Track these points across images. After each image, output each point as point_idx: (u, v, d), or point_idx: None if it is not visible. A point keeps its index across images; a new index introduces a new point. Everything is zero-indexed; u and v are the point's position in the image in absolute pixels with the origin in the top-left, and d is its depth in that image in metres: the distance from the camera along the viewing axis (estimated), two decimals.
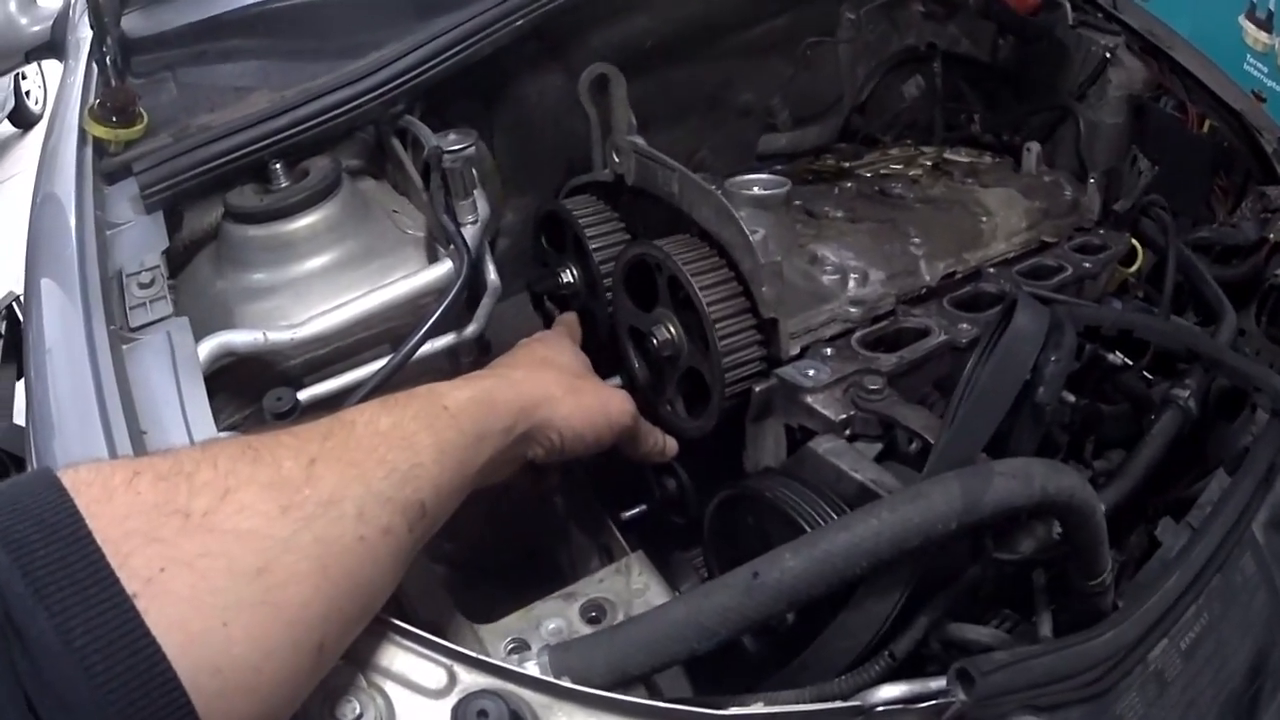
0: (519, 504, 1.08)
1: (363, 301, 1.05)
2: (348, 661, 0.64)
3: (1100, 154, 1.45)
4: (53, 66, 1.71)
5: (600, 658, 0.70)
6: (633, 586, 0.90)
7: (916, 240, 1.18)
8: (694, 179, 1.04)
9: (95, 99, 1.18)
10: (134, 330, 0.94)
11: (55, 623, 0.48)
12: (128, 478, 0.55)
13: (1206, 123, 1.43)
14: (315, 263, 1.10)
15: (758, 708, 0.67)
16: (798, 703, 0.70)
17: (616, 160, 1.16)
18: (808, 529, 0.82)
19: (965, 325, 1.06)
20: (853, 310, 1.08)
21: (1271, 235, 1.29)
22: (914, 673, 0.72)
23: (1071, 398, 1.03)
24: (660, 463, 1.07)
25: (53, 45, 1.73)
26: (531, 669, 0.67)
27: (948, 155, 1.50)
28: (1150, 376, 1.13)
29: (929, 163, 1.48)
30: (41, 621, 0.47)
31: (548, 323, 1.28)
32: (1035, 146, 1.42)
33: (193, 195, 1.15)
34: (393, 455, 0.67)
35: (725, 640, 0.71)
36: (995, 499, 0.73)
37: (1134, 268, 1.30)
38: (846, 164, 1.55)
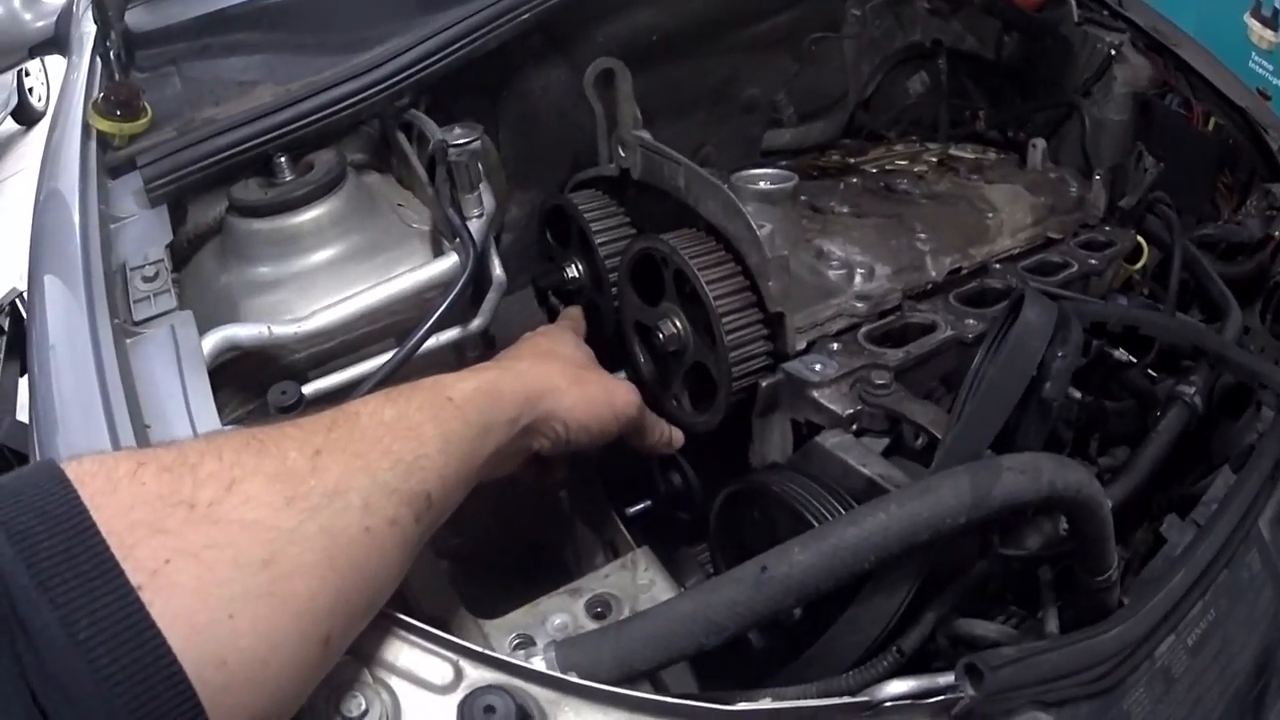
0: (524, 499, 1.08)
1: (368, 295, 1.04)
2: (353, 657, 0.63)
3: (1105, 151, 1.45)
4: (56, 64, 1.72)
5: (607, 653, 0.69)
6: (638, 582, 0.89)
7: (922, 236, 1.18)
8: (701, 173, 1.03)
9: (99, 93, 1.17)
10: (138, 324, 0.93)
11: (59, 615, 0.47)
12: (132, 469, 0.55)
13: (1212, 120, 1.43)
14: (320, 256, 1.10)
15: (765, 703, 0.66)
16: (805, 698, 0.70)
17: (622, 154, 1.16)
18: (815, 524, 0.82)
19: (971, 321, 1.06)
20: (859, 305, 1.07)
21: (1276, 233, 1.29)
22: (920, 669, 0.72)
23: (1077, 394, 1.02)
24: (666, 455, 1.06)
25: (57, 40, 1.73)
26: (538, 664, 0.67)
27: (953, 151, 1.50)
28: (1155, 374, 1.13)
29: (934, 159, 1.48)
30: (46, 614, 0.47)
31: (552, 318, 1.28)
32: (1040, 143, 1.41)
33: (197, 189, 1.15)
34: (398, 446, 0.67)
35: (733, 635, 0.71)
36: (1004, 493, 0.73)
37: (1139, 265, 1.29)
38: (851, 160, 1.54)
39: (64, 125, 1.31)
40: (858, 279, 1.11)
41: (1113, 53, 1.44)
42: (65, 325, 0.94)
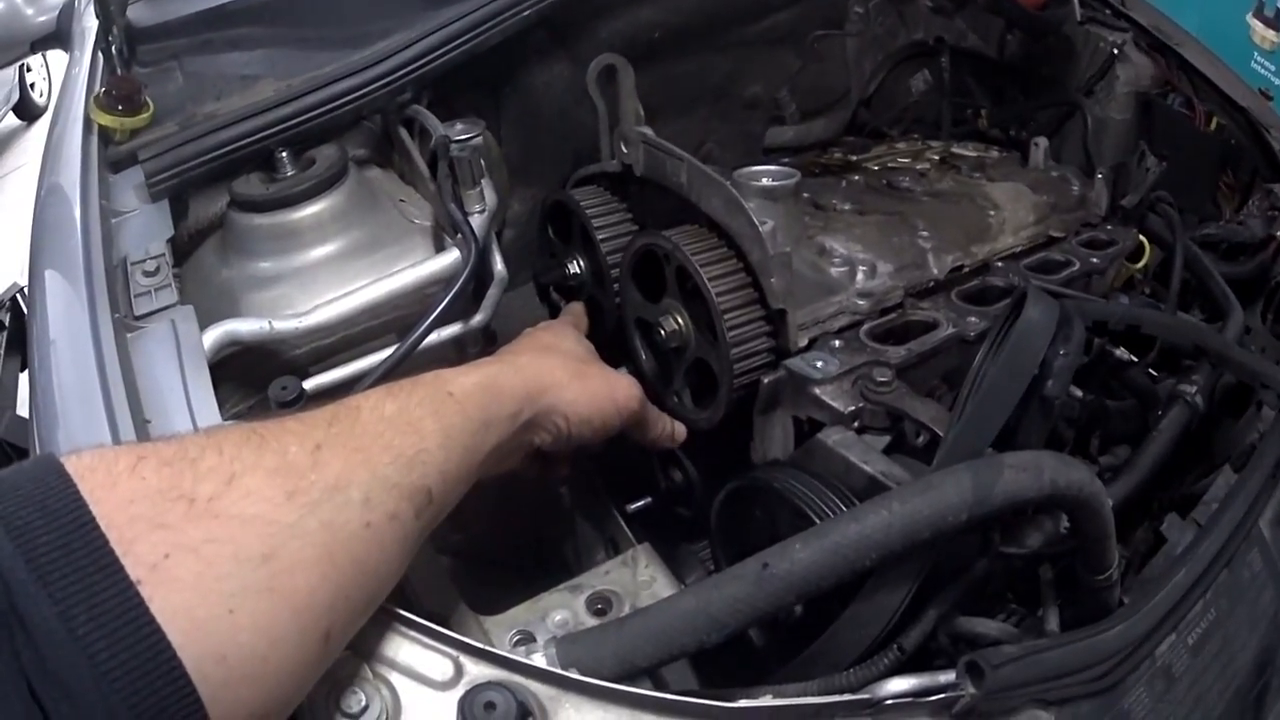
0: (525, 495, 1.08)
1: (369, 290, 1.04)
2: (353, 652, 0.63)
3: (1107, 150, 1.45)
4: (57, 59, 1.72)
5: (608, 649, 0.69)
6: (639, 579, 0.89)
7: (924, 233, 1.18)
8: (704, 169, 1.03)
9: (101, 88, 1.17)
10: (138, 318, 0.93)
11: (58, 610, 0.47)
12: (132, 463, 0.54)
13: (1214, 120, 1.43)
14: (321, 251, 1.10)
15: (766, 700, 0.66)
16: (806, 695, 0.70)
17: (624, 150, 1.16)
18: (817, 521, 0.81)
19: (973, 318, 1.05)
20: (861, 302, 1.07)
21: (1278, 233, 1.29)
22: (922, 666, 0.72)
23: (1079, 393, 1.02)
24: (667, 452, 1.06)
25: (58, 35, 1.73)
26: (539, 661, 0.67)
27: (955, 149, 1.50)
28: (1156, 373, 1.13)
29: (936, 157, 1.48)
30: (45, 609, 0.47)
31: (554, 314, 1.28)
32: (1043, 141, 1.41)
33: (198, 183, 1.15)
34: (398, 441, 0.67)
35: (734, 632, 0.70)
36: (1005, 491, 0.73)
37: (1141, 264, 1.29)
38: (854, 157, 1.54)
39: (65, 120, 1.31)
40: (860, 276, 1.10)
41: (1115, 52, 1.44)
42: (66, 320, 0.94)
